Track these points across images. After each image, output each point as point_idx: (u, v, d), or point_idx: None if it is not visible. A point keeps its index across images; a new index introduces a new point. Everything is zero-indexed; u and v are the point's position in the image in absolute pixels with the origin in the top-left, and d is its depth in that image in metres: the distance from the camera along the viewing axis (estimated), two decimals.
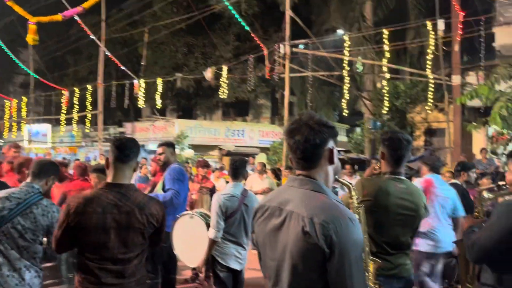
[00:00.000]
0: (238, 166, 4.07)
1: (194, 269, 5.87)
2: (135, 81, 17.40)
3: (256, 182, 8.05)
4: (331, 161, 1.68)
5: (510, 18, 12.01)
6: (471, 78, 12.02)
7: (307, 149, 1.64)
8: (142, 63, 19.54)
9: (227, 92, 15.53)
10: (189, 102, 24.30)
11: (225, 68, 15.14)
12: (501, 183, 3.24)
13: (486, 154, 11.96)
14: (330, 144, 1.68)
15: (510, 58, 11.04)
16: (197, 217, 4.22)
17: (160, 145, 4.72)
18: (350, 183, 2.11)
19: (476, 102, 11.09)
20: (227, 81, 15.29)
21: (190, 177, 8.22)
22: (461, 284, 2.92)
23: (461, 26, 10.29)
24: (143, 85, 17.28)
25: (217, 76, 16.24)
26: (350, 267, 1.51)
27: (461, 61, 11.48)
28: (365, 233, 2.27)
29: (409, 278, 2.88)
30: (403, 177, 2.86)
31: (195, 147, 18.50)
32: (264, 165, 8.67)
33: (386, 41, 11.64)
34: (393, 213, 2.74)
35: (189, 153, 17.41)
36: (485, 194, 3.00)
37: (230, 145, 20.36)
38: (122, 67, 17.81)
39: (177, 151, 16.93)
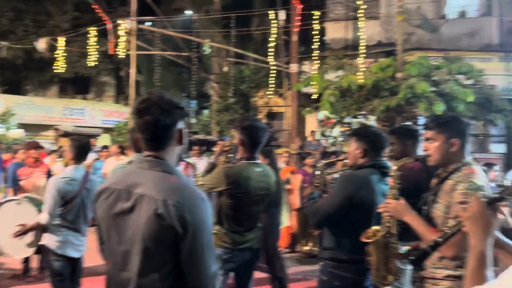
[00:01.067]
0: (80, 147, 3.76)
1: (25, 261, 5.30)
2: None
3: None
4: (180, 142, 1.68)
5: (339, 15, 13.54)
6: (306, 67, 13.23)
7: (157, 130, 1.61)
8: None
9: (65, 66, 14.11)
10: (17, 76, 21.35)
11: (62, 40, 13.70)
12: (326, 160, 3.73)
13: (315, 136, 13.43)
14: (180, 125, 1.67)
15: (338, 51, 12.47)
16: (25, 202, 3.78)
17: None
18: (195, 163, 2.20)
19: (309, 89, 12.26)
20: (64, 54, 13.86)
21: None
22: (298, 245, 3.35)
23: (299, 18, 11.20)
24: None
25: (52, 48, 14.59)
26: (202, 246, 1.55)
27: (298, 50, 12.52)
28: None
29: (259, 247, 3.30)
30: (258, 161, 3.20)
31: (25, 127, 16.41)
32: (121, 147, 8.18)
33: (233, 26, 11.99)
34: (253, 195, 3.07)
35: (17, 133, 15.36)
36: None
37: (68, 125, 18.65)
38: None
39: (2, 130, 14.92)
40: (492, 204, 1.40)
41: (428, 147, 2.34)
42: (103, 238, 1.71)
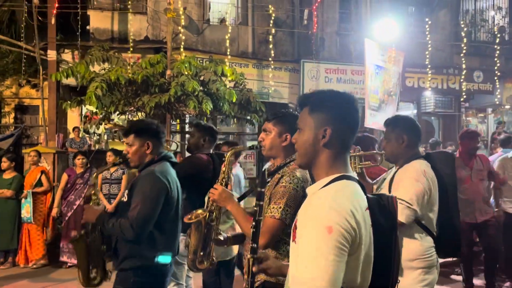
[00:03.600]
0: None
1: None
2: None
3: None
4: None
5: (103, 4, 12.65)
6: (67, 56, 11.88)
7: None
8: None
9: None
10: None
11: None
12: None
13: (80, 133, 12.24)
14: None
15: (103, 41, 11.63)
16: None
17: None
18: None
19: (71, 81, 11.04)
20: None
21: None
22: None
23: None
24: None
25: None
26: None
27: (56, 36, 11.11)
28: None
29: None
30: None
31: None
32: None
33: None
34: None
35: None
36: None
37: None
38: None
39: None
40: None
41: (263, 137, 2.44)
42: None
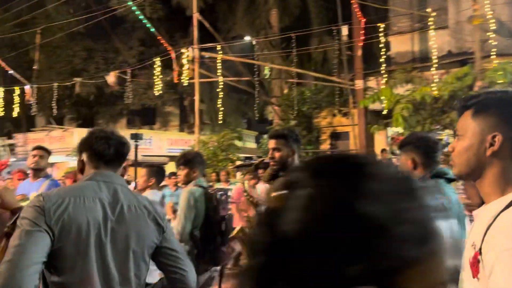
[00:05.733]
0: (156, 173, 4.06)
1: None
2: (27, 87, 15.68)
3: None
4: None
5: (402, 27, 12.97)
6: (372, 83, 12.71)
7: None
8: (35, 67, 17.74)
9: (132, 97, 14.70)
10: (90, 111, 22.70)
11: (129, 72, 14.33)
12: None
13: (386, 155, 12.72)
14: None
15: (403, 64, 11.88)
16: None
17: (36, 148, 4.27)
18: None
19: (376, 106, 11.71)
20: (131, 86, 14.48)
21: None
22: None
23: (363, 32, 10.81)
24: (35, 90, 15.67)
25: (121, 82, 15.29)
26: None
27: (362, 66, 12.10)
28: None
29: None
30: None
31: None
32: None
33: (293, 45, 11.86)
34: None
35: None
36: None
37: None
38: (10, 71, 16.00)
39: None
40: None
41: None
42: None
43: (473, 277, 1.20)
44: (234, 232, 3.15)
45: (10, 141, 20.81)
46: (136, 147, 10.71)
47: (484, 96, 1.30)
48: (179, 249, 1.81)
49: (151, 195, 3.75)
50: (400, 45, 12.64)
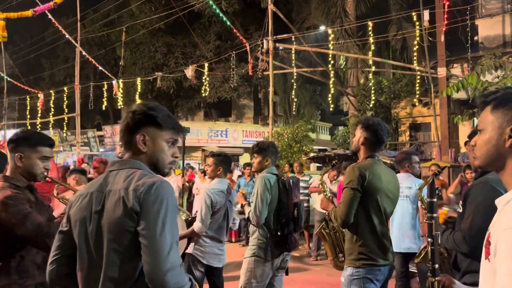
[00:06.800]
0: (223, 162, 4.03)
1: None
2: (114, 82, 16.85)
3: None
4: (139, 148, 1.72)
5: (492, 10, 11.97)
6: (456, 70, 11.91)
7: (123, 134, 1.75)
8: (121, 64, 18.99)
9: (209, 90, 15.18)
10: (170, 103, 23.81)
11: (206, 65, 14.80)
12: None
13: (471, 147, 11.90)
14: (145, 130, 1.72)
15: (492, 49, 10.98)
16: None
17: None
18: None
19: (461, 95, 10.99)
20: (208, 79, 14.95)
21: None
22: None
23: (446, 16, 10.15)
24: (121, 85, 16.78)
25: (198, 75, 15.85)
26: (161, 225, 1.53)
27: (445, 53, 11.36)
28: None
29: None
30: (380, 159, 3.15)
31: (178, 149, 18.05)
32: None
33: (370, 33, 11.46)
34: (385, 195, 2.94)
35: None
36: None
37: (213, 146, 19.97)
38: (100, 67, 17.28)
39: None
40: None
41: None
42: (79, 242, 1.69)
43: (485, 258, 1.26)
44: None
45: (100, 133, 22.53)
46: (184, 139, 11.15)
47: (503, 92, 1.37)
48: (149, 235, 1.51)
49: (219, 183, 3.88)
50: (489, 29, 11.68)
